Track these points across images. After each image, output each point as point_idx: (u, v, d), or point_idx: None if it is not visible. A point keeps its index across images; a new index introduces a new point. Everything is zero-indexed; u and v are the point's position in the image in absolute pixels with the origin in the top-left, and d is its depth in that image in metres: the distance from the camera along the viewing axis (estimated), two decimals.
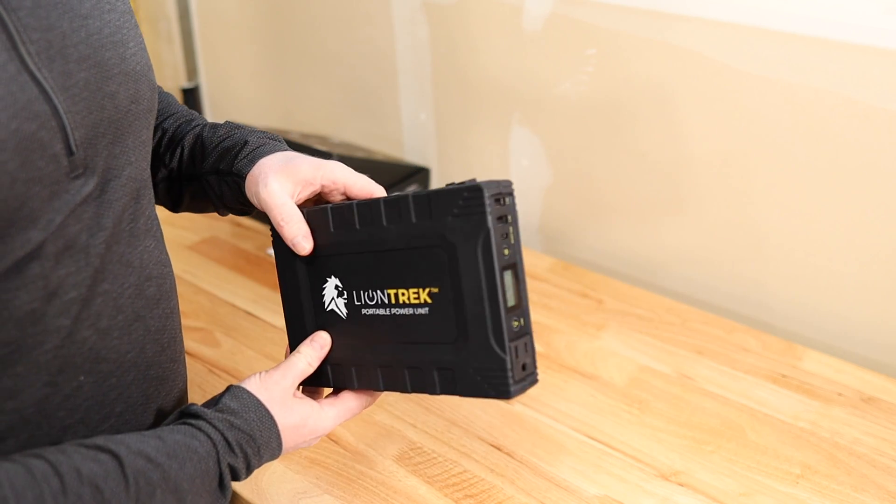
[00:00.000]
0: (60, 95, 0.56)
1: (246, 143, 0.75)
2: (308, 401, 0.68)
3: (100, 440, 0.57)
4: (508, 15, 1.22)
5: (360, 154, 1.36)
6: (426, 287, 0.64)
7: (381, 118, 1.49)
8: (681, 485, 0.85)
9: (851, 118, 0.98)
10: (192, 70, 1.77)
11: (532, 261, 1.25)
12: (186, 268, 1.23)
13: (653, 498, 0.83)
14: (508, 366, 0.61)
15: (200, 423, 0.62)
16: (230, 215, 0.87)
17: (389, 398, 0.96)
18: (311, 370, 0.70)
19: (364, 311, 0.68)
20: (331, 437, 0.91)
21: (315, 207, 0.70)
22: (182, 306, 1.14)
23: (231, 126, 0.79)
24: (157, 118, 0.82)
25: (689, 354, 1.04)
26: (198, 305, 1.15)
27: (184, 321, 1.10)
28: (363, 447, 0.89)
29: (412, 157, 1.48)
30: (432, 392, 0.66)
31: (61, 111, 0.55)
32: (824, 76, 0.98)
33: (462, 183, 0.62)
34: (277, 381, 0.67)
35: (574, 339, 1.07)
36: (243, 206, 0.77)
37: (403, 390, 0.68)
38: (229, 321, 1.12)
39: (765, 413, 0.94)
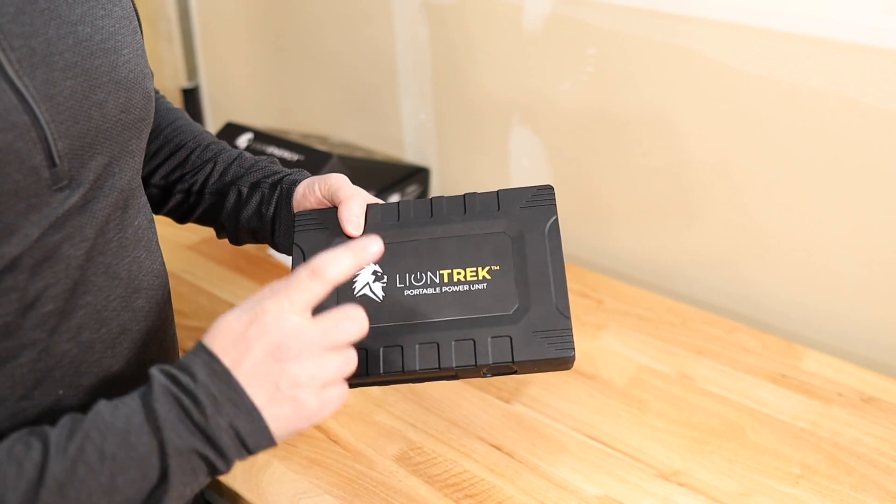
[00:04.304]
0: (43, 105, 0.54)
1: (298, 170, 0.79)
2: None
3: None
4: (508, 15, 1.22)
5: (360, 154, 1.36)
6: (486, 265, 0.68)
7: (381, 118, 1.49)
8: (681, 485, 0.85)
9: (851, 118, 0.98)
10: (192, 70, 1.77)
11: None
12: (186, 268, 1.23)
13: (653, 498, 0.83)
14: (571, 327, 0.66)
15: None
16: None
17: (389, 398, 0.96)
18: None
19: (407, 292, 0.68)
20: (330, 437, 0.91)
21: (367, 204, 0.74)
22: (182, 306, 1.14)
23: (273, 160, 0.82)
24: (182, 136, 0.82)
25: (689, 354, 1.04)
26: (198, 305, 1.15)
27: (184, 321, 1.10)
28: (363, 447, 0.89)
29: (412, 157, 1.48)
30: (483, 362, 0.64)
31: (42, 121, 0.53)
32: (824, 76, 0.98)
33: (520, 187, 0.73)
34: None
35: (574, 339, 1.07)
36: (257, 222, 0.78)
37: (447, 364, 0.64)
38: None
39: (765, 413, 0.94)
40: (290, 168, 0.81)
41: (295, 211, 0.75)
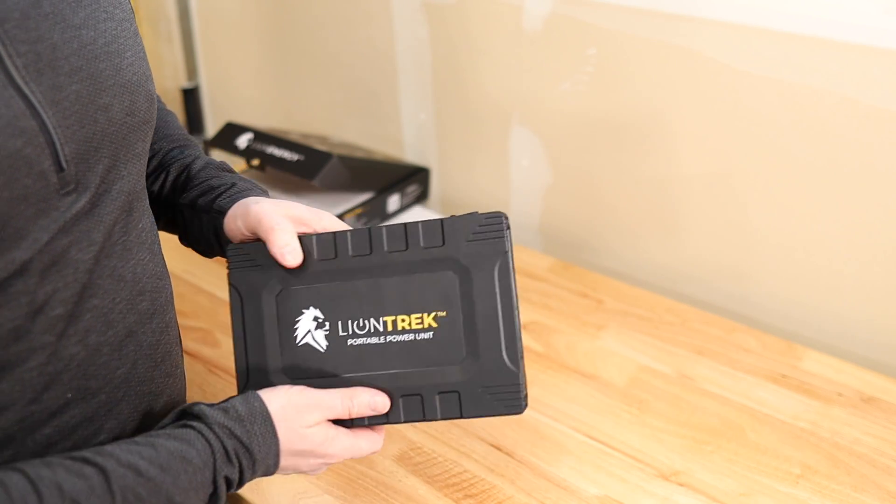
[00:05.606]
0: (49, 110, 0.54)
1: (234, 185, 0.74)
2: (325, 426, 0.64)
3: (88, 452, 0.55)
4: (508, 15, 1.22)
5: (360, 154, 1.36)
6: (432, 312, 0.64)
7: (381, 118, 1.49)
8: (681, 485, 0.85)
9: (851, 118, 0.98)
10: (192, 70, 1.77)
11: (532, 261, 1.25)
12: (186, 268, 1.23)
13: (653, 498, 0.83)
14: (521, 381, 0.63)
15: (201, 426, 0.59)
16: None
17: None
18: (344, 418, 0.65)
19: (351, 341, 0.65)
20: None
21: (298, 235, 0.67)
22: (182, 306, 1.14)
23: (222, 167, 0.78)
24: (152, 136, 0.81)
25: (689, 354, 1.04)
26: (198, 305, 1.15)
27: (184, 321, 1.10)
28: None
29: (412, 157, 1.48)
30: (431, 418, 0.64)
31: (50, 126, 0.54)
32: (824, 76, 0.98)
33: (467, 214, 0.65)
34: (301, 410, 0.63)
35: (574, 339, 1.07)
36: (206, 245, 0.76)
37: (395, 419, 0.65)
38: (229, 321, 1.11)
39: (765, 413, 0.94)
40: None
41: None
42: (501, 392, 0.63)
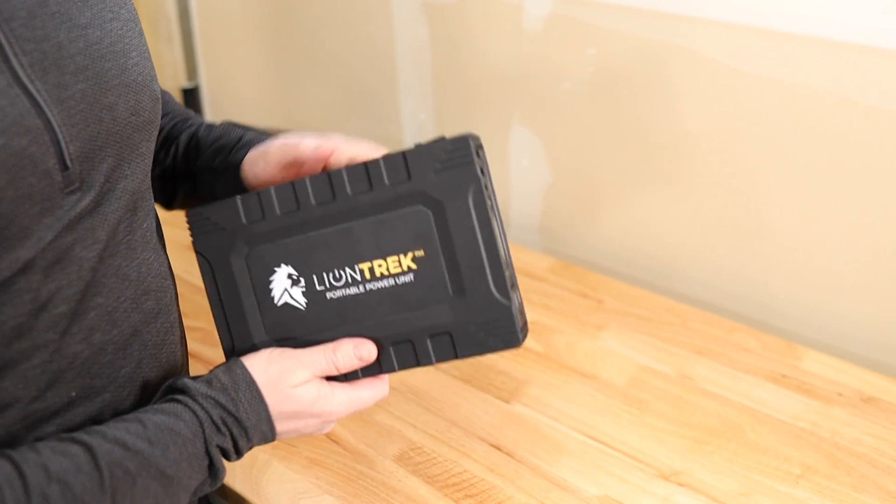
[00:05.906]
0: (54, 108, 0.54)
1: (241, 138, 0.74)
2: (315, 384, 0.63)
3: (76, 433, 0.56)
4: (508, 15, 1.22)
5: None
6: (409, 252, 0.61)
7: (381, 118, 1.49)
8: (681, 485, 0.85)
9: (851, 118, 0.98)
10: (192, 70, 1.77)
11: (532, 261, 1.25)
12: (186, 268, 1.23)
13: (653, 498, 0.83)
14: (514, 311, 0.60)
15: (186, 399, 0.60)
16: None
17: (390, 398, 0.96)
18: (332, 373, 0.64)
19: (330, 294, 0.63)
20: (331, 437, 0.91)
21: (255, 191, 0.65)
22: (182, 306, 1.13)
23: (228, 125, 0.78)
24: None
25: (689, 354, 1.04)
26: (198, 305, 1.15)
27: (184, 321, 1.10)
28: (363, 447, 0.89)
29: None
30: (426, 363, 0.62)
31: (55, 125, 0.54)
32: (824, 76, 0.98)
33: (432, 141, 0.61)
34: (285, 371, 0.62)
35: (574, 339, 1.07)
36: None
37: (389, 369, 0.63)
38: None
39: (765, 413, 0.94)
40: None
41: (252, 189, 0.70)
42: (495, 327, 0.60)
